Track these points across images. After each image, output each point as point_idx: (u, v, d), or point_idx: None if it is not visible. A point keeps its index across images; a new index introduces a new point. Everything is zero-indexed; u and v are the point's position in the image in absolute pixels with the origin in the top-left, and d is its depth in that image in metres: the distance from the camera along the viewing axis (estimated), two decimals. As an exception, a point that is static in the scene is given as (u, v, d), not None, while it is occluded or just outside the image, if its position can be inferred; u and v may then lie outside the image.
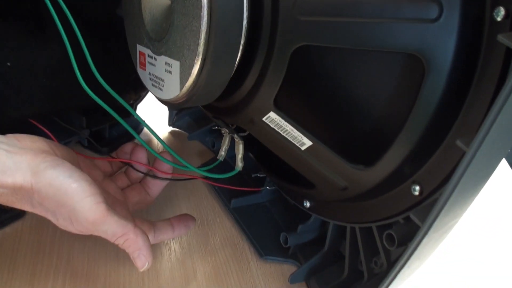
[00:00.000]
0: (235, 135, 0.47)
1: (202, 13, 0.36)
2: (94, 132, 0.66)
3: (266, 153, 0.56)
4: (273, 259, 0.56)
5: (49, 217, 0.45)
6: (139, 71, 0.48)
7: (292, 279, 0.54)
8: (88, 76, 0.46)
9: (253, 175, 0.62)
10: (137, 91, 0.68)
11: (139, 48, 0.47)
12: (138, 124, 0.69)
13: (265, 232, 0.59)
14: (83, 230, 0.46)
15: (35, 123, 0.56)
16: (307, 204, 0.54)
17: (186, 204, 0.63)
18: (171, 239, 0.58)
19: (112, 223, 0.45)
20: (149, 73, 0.46)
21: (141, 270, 0.48)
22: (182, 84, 0.40)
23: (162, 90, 0.44)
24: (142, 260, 0.48)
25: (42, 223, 0.57)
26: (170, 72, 0.42)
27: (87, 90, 0.45)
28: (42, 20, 0.61)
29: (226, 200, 0.62)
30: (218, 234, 0.60)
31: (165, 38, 0.42)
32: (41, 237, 0.56)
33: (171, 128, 0.77)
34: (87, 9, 0.66)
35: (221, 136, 0.58)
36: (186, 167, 0.50)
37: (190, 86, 0.39)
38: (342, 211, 0.50)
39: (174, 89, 0.41)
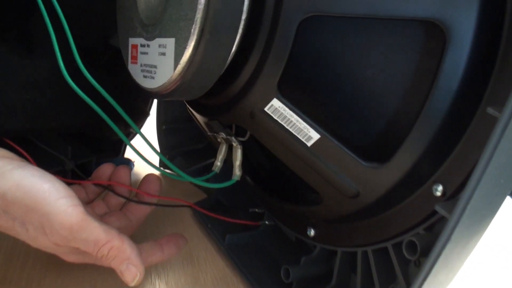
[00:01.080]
0: (233, 139, 0.42)
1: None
2: (79, 165, 0.61)
3: (265, 171, 0.51)
4: (271, 297, 0.49)
5: (17, 228, 0.39)
6: (130, 67, 0.44)
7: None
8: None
9: (250, 210, 0.57)
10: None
11: (131, 41, 0.43)
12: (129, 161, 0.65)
13: (264, 271, 0.53)
14: (58, 240, 0.39)
15: (11, 143, 0.51)
16: (311, 233, 0.48)
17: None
18: (156, 277, 0.51)
19: (92, 228, 0.39)
20: (141, 65, 0.42)
21: (132, 284, 0.41)
22: (176, 62, 0.36)
23: (154, 78, 0.40)
24: (132, 272, 0.41)
25: (11, 256, 0.51)
26: (164, 54, 0.38)
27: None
28: (30, 39, 0.58)
29: (220, 238, 0.56)
30: (209, 274, 0.53)
31: (160, 18, 0.38)
32: (8, 270, 0.49)
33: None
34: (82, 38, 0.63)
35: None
36: (181, 176, 0.45)
37: (186, 63, 0.35)
38: (351, 233, 0.45)
39: (167, 72, 0.37)
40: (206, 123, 0.46)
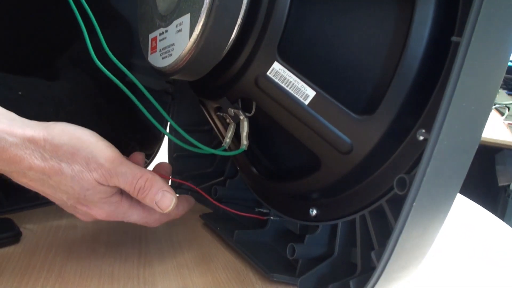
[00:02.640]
0: (240, 112, 0.48)
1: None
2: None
3: (268, 164, 0.56)
4: (280, 277, 0.52)
5: (64, 169, 0.44)
6: (151, 57, 0.51)
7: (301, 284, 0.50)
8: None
9: (256, 210, 0.61)
10: (142, 146, 0.70)
11: (151, 35, 0.51)
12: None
13: (271, 260, 0.56)
14: (101, 175, 0.45)
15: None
16: (313, 212, 0.53)
17: (187, 244, 0.60)
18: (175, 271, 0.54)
19: (129, 164, 0.46)
20: (160, 50, 0.49)
21: (168, 210, 0.47)
22: (191, 31, 0.43)
23: (172, 54, 0.46)
24: (168, 197, 0.47)
25: (35, 248, 0.55)
26: (180, 31, 0.45)
27: (98, 63, 0.47)
28: (57, 71, 0.66)
29: (229, 235, 0.60)
30: (220, 265, 0.56)
31: (177, 3, 0.46)
32: (31, 258, 0.53)
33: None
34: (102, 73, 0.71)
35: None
36: (200, 148, 0.50)
37: (200, 29, 0.42)
38: (350, 201, 0.49)
39: (184, 43, 0.44)
40: (215, 108, 0.52)
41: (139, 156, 0.53)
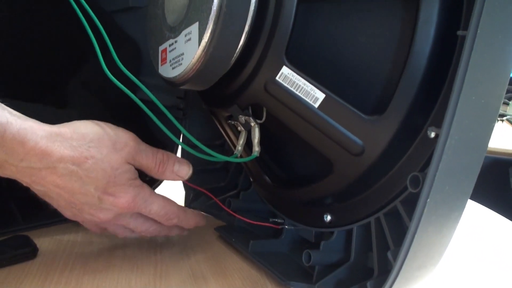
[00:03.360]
0: (251, 119, 0.48)
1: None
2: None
3: (280, 173, 0.57)
4: (297, 285, 0.52)
5: (93, 153, 0.47)
6: (161, 69, 0.52)
7: (319, 289, 0.49)
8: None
9: (270, 220, 0.61)
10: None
11: (161, 48, 0.51)
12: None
13: (287, 268, 0.56)
14: (128, 153, 0.50)
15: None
16: (328, 218, 0.53)
17: (202, 255, 0.60)
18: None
19: (147, 145, 0.52)
20: (170, 60, 0.49)
21: (186, 177, 0.55)
22: (200, 38, 0.44)
23: (182, 64, 0.47)
24: (185, 165, 0.55)
25: (52, 263, 0.55)
26: (189, 40, 0.46)
27: (112, 78, 0.48)
28: (65, 98, 0.68)
29: (244, 246, 0.60)
30: (236, 275, 0.56)
31: (185, 14, 0.47)
32: (49, 272, 0.53)
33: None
34: (111, 95, 0.72)
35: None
36: (213, 156, 0.51)
37: (209, 36, 0.43)
38: (364, 204, 0.49)
39: (193, 52, 0.45)
40: (226, 117, 0.52)
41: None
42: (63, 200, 0.49)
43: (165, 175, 0.54)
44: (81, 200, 0.49)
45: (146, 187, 0.52)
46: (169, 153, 0.54)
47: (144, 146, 0.51)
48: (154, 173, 0.53)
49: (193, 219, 0.58)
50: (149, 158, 0.52)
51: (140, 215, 0.54)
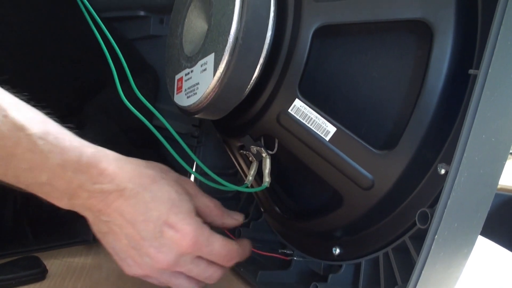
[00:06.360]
0: (263, 149, 0.49)
1: (236, -5, 0.43)
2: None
3: (291, 204, 0.57)
4: (304, 319, 0.52)
5: (159, 177, 0.49)
6: (176, 97, 0.53)
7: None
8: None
9: (279, 251, 0.61)
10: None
11: (177, 76, 0.53)
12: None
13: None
14: (191, 187, 0.52)
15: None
16: (337, 251, 0.53)
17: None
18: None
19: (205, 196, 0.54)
20: (185, 89, 0.50)
21: (241, 220, 0.56)
22: (215, 69, 0.45)
23: (196, 93, 0.48)
24: (237, 215, 0.56)
25: (61, 285, 0.56)
26: (205, 70, 0.47)
27: (128, 105, 0.49)
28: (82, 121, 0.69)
29: (252, 276, 0.59)
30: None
31: (202, 45, 0.48)
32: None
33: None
34: (128, 120, 0.74)
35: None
36: (224, 185, 0.51)
37: (224, 67, 0.44)
38: (373, 238, 0.49)
39: (208, 81, 0.46)
40: (238, 146, 0.53)
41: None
42: (123, 237, 0.46)
43: (222, 217, 0.55)
44: (142, 233, 0.46)
45: (205, 225, 0.49)
46: (219, 205, 0.56)
47: (202, 197, 0.53)
48: (213, 214, 0.54)
49: (248, 250, 0.56)
50: (208, 198, 0.53)
51: (201, 258, 0.50)
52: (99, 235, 0.48)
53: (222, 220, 0.54)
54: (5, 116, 0.39)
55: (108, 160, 0.45)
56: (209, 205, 0.53)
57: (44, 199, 0.44)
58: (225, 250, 0.50)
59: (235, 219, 0.55)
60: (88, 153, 0.43)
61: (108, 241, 0.48)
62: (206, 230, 0.49)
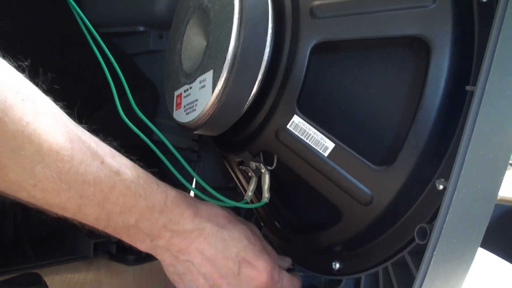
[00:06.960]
0: (262, 165, 0.49)
1: (234, 12, 0.44)
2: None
3: (291, 219, 0.57)
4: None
5: (234, 218, 0.53)
6: (176, 113, 0.53)
7: None
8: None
9: (280, 265, 0.61)
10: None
11: (176, 93, 0.53)
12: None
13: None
14: (260, 239, 0.54)
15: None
16: (336, 266, 0.53)
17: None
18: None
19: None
20: (184, 106, 0.51)
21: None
22: (214, 85, 0.45)
23: (195, 109, 0.48)
24: (287, 258, 0.57)
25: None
26: (204, 86, 0.47)
27: (127, 122, 0.49)
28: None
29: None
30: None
31: (201, 61, 0.48)
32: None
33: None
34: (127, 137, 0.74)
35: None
36: (223, 201, 0.51)
37: (222, 84, 0.44)
38: (372, 253, 0.49)
39: (207, 97, 0.46)
40: (238, 162, 0.53)
41: None
42: (201, 276, 0.49)
43: (278, 259, 0.55)
44: (221, 271, 0.49)
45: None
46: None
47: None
48: (271, 256, 0.54)
49: (301, 282, 0.57)
50: (273, 253, 0.55)
51: None
52: (175, 277, 0.50)
53: (279, 262, 0.55)
54: (102, 163, 0.41)
55: (188, 201, 0.48)
56: (267, 247, 0.54)
57: (126, 242, 0.47)
58: (291, 284, 0.53)
59: (287, 261, 0.57)
60: (173, 195, 0.47)
61: (185, 282, 0.49)
62: (277, 266, 0.52)
